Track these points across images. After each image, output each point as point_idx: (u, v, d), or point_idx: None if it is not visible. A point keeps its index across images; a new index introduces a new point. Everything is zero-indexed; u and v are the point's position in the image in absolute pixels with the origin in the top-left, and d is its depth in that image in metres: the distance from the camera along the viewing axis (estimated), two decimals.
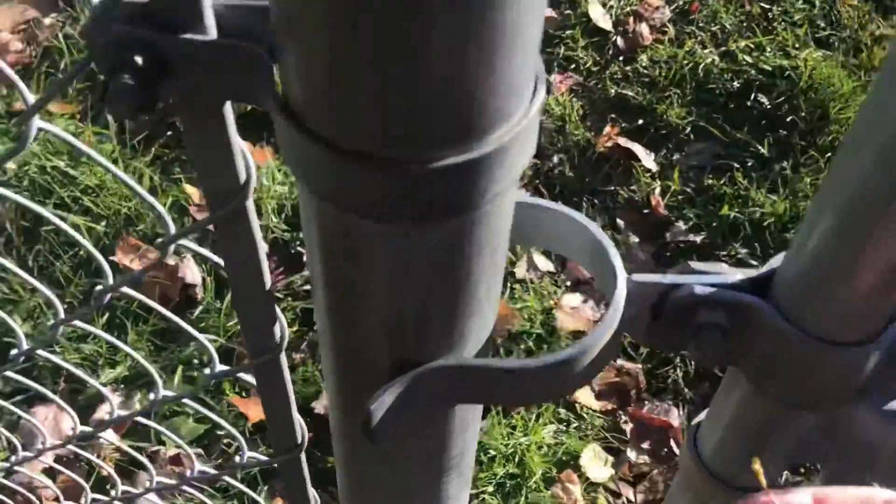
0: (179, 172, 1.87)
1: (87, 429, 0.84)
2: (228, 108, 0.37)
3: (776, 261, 0.43)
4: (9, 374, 0.78)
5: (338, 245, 0.36)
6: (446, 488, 0.55)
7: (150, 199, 0.45)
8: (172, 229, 0.48)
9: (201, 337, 0.60)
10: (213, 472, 0.81)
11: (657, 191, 1.91)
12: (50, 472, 1.48)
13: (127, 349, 0.68)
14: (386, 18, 0.26)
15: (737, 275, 0.43)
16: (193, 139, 0.38)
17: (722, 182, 1.91)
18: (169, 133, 1.93)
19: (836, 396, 0.45)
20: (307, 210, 0.36)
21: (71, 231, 0.53)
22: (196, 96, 0.35)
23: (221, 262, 0.48)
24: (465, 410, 0.48)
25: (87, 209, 1.80)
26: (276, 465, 0.69)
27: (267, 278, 0.48)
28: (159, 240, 0.47)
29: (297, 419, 0.62)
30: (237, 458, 0.74)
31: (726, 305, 0.42)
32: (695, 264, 0.44)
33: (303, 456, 0.68)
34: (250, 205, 0.43)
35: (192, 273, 1.71)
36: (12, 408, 0.95)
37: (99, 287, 0.55)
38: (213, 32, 0.33)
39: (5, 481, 1.22)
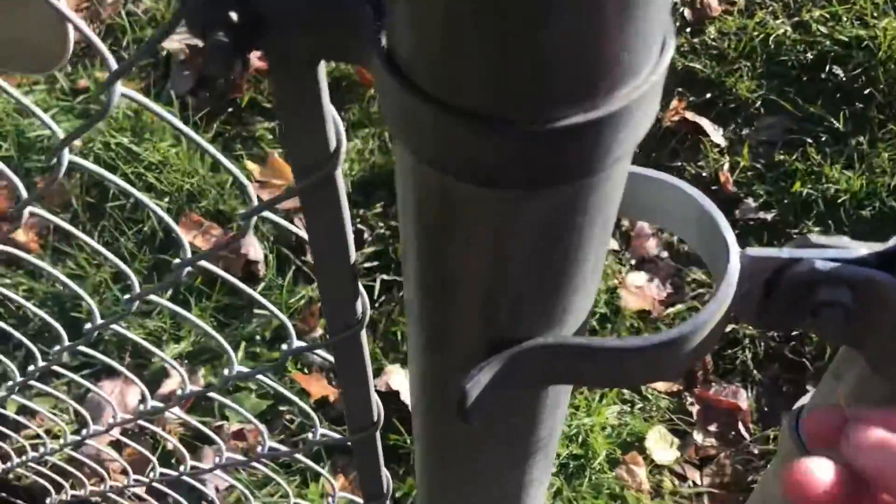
0: (241, 149, 1.87)
1: (158, 404, 0.83)
2: (322, 69, 0.35)
3: None
4: (79, 348, 0.78)
5: (436, 212, 0.34)
6: (531, 470, 0.53)
7: (236, 171, 0.43)
8: (255, 201, 0.46)
9: (282, 316, 0.58)
10: (284, 448, 0.80)
11: (726, 167, 1.85)
12: (116, 445, 1.50)
13: (200, 323, 0.67)
14: None
15: (861, 249, 0.40)
16: (285, 102, 0.36)
17: (794, 158, 1.85)
18: (230, 110, 1.93)
19: None
20: (404, 174, 0.34)
21: (159, 210, 0.51)
22: (292, 55, 0.33)
23: (302, 233, 0.47)
24: (557, 390, 0.46)
25: (151, 185, 1.81)
26: (349, 443, 0.68)
27: (352, 251, 0.46)
28: (242, 211, 0.45)
29: (375, 397, 0.61)
30: (309, 436, 0.73)
31: (851, 282, 0.39)
32: (814, 237, 0.40)
33: (377, 434, 0.67)
34: (339, 174, 0.41)
35: (254, 250, 1.71)
36: (81, 380, 0.96)
37: (177, 261, 0.53)
38: None
39: (74, 453, 1.23)
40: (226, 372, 0.66)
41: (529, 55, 0.25)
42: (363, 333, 0.54)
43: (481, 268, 0.35)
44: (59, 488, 1.39)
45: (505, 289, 0.36)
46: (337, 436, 0.71)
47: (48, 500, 1.43)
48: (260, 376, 0.74)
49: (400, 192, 0.36)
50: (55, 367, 0.91)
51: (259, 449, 0.79)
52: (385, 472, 0.73)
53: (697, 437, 1.62)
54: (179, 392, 0.73)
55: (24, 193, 0.56)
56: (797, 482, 0.35)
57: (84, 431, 0.98)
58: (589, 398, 1.62)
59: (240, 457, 0.87)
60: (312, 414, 0.72)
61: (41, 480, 1.39)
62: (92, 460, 1.30)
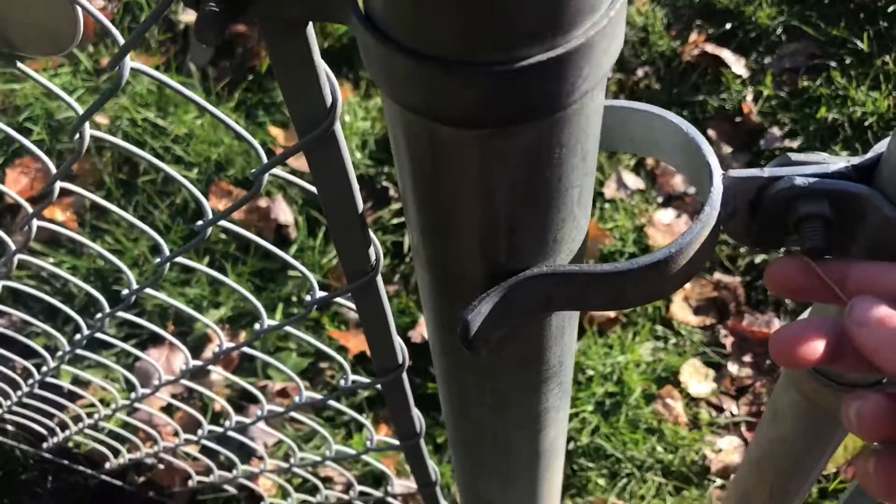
0: (263, 116, 1.90)
1: (199, 362, 0.88)
2: (311, 30, 0.37)
3: (881, 146, 0.41)
4: (123, 317, 0.83)
5: (425, 156, 0.36)
6: (546, 398, 0.56)
7: (241, 130, 0.46)
8: (265, 159, 0.49)
9: (300, 266, 0.61)
10: (319, 396, 0.84)
11: (749, 97, 1.84)
12: (168, 410, 1.56)
13: (232, 283, 0.70)
14: None
15: (839, 163, 0.41)
16: (279, 64, 0.38)
17: (818, 83, 1.83)
18: (250, 77, 1.96)
19: None
20: (393, 122, 0.36)
21: (172, 172, 0.55)
22: (279, 18, 0.36)
23: (313, 188, 0.49)
24: (561, 318, 0.48)
25: (179, 158, 1.85)
26: (379, 387, 0.71)
27: (359, 201, 0.48)
28: (253, 170, 0.48)
29: (398, 340, 0.64)
30: (342, 382, 0.77)
31: (829, 195, 0.41)
32: (794, 155, 0.42)
33: (405, 376, 0.70)
34: (338, 127, 0.43)
35: (284, 214, 1.75)
36: (130, 348, 1.00)
37: (200, 222, 0.57)
38: None
39: (128, 418, 1.29)
40: (256, 326, 0.69)
41: None
42: (379, 279, 0.57)
43: (472, 204, 0.38)
44: (116, 453, 1.46)
45: (497, 223, 0.39)
46: (366, 380, 0.74)
47: (107, 465, 1.50)
48: (292, 330, 0.77)
49: (392, 139, 0.38)
50: (105, 338, 0.96)
51: (297, 399, 0.84)
52: (416, 412, 0.76)
53: (732, 368, 1.64)
54: (217, 349, 0.77)
55: (53, 169, 0.60)
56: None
57: (132, 395, 1.03)
58: (622, 336, 1.64)
59: (279, 408, 0.91)
60: (343, 361, 0.75)
61: (99, 447, 1.46)
62: (145, 425, 1.36)
